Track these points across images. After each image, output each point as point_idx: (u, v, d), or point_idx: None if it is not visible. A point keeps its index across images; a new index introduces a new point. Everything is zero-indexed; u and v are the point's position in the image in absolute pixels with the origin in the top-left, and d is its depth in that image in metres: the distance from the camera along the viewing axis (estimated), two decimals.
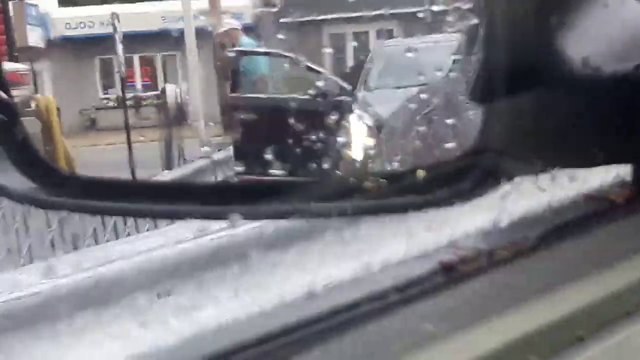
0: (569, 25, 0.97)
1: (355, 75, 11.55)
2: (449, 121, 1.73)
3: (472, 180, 0.96)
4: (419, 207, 0.98)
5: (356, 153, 9.34)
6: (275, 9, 30.86)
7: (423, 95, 2.97)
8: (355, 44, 26.39)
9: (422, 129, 2.07)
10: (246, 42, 10.88)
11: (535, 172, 0.99)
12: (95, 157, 17.18)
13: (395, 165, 2.41)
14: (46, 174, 1.12)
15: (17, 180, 1.11)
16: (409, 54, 10.74)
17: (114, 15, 12.72)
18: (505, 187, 0.96)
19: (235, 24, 10.86)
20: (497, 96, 0.97)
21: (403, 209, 0.99)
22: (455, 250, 0.93)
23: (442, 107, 1.99)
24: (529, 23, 0.97)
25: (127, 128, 12.92)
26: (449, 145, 1.40)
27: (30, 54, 15.08)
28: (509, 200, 0.99)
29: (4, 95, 1.21)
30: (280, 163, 10.65)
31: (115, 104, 28.72)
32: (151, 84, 32.69)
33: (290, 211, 1.00)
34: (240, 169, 10.88)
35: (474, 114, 1.64)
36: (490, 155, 0.96)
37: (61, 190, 1.11)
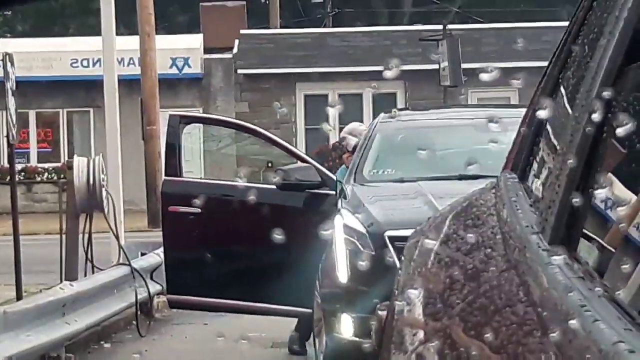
0: None
1: (341, 160, 11.14)
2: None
3: None
4: None
5: (341, 277, 8.49)
6: (229, 55, 30.40)
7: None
8: (340, 111, 24.76)
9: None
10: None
11: None
12: None
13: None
14: None
15: None
16: (422, 134, 10.25)
17: (7, 57, 12.17)
18: None
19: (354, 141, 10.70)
20: None
21: None
22: None
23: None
24: None
25: (15, 213, 12.31)
26: None
27: None
28: None
29: None
30: (226, 283, 10.04)
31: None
32: (52, 152, 32.19)
33: None
34: (169, 286, 10.34)
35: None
36: None
37: None
